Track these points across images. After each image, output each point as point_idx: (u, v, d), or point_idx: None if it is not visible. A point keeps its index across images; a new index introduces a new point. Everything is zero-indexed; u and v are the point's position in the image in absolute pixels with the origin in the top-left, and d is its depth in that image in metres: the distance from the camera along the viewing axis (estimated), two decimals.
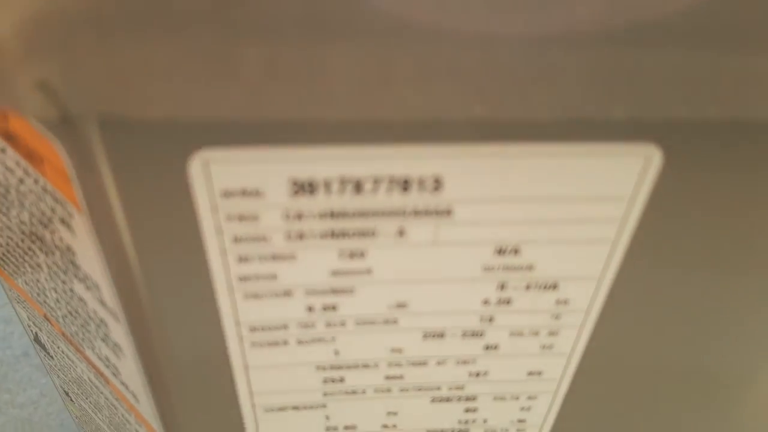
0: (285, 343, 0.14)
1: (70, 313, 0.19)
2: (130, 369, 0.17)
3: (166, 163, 0.10)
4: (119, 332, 0.15)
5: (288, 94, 0.08)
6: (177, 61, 0.08)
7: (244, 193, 0.11)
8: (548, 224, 0.12)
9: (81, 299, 0.16)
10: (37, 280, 0.20)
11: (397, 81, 0.09)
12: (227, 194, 0.11)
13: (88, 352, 0.20)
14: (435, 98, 0.09)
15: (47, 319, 0.22)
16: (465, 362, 0.15)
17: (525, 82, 0.09)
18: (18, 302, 0.24)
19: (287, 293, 0.13)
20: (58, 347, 0.23)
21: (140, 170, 0.11)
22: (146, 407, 0.18)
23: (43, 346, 0.26)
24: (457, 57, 0.08)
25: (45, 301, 0.20)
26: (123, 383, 0.18)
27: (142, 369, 0.15)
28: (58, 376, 0.27)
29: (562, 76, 0.09)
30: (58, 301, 0.19)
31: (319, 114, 0.09)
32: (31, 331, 0.26)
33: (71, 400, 0.28)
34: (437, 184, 0.11)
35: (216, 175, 0.10)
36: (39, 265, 0.18)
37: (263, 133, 0.10)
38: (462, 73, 0.09)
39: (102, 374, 0.20)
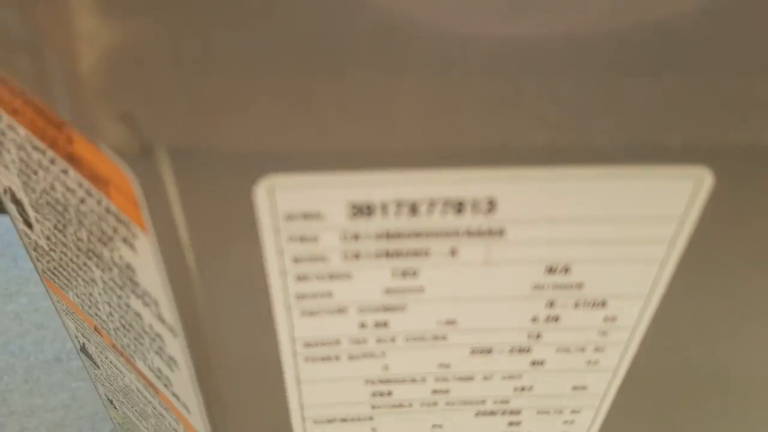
0: (337, 358, 0.14)
1: (123, 327, 0.19)
2: (183, 381, 0.17)
3: (233, 189, 0.11)
4: (175, 347, 0.16)
5: (357, 125, 0.09)
6: (254, 95, 0.09)
7: (306, 216, 0.11)
8: (599, 244, 0.12)
9: (137, 314, 0.17)
10: (90, 294, 0.20)
11: (461, 110, 0.09)
12: (290, 217, 0.11)
13: (139, 364, 0.20)
14: (498, 127, 0.09)
15: (97, 331, 0.23)
16: (511, 377, 0.15)
17: (586, 110, 0.09)
18: (67, 314, 0.25)
19: (341, 310, 0.13)
20: (106, 357, 0.24)
21: (207, 195, 0.11)
22: (197, 418, 0.18)
23: (89, 356, 0.27)
24: (521, 86, 0.09)
25: (96, 314, 0.21)
26: (174, 394, 0.19)
27: (197, 382, 0.16)
28: (103, 385, 0.28)
29: (623, 104, 0.09)
30: (111, 314, 0.20)
31: (386, 144, 0.09)
32: (78, 341, 0.27)
33: (115, 407, 0.29)
34: (491, 205, 0.11)
35: (280, 199, 0.11)
36: (93, 280, 0.19)
37: (325, 159, 0.11)
38: (525, 102, 0.09)
39: (152, 385, 0.21)
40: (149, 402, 0.23)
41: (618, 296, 0.13)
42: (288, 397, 0.15)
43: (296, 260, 0.12)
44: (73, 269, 0.20)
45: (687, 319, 0.14)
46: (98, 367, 0.26)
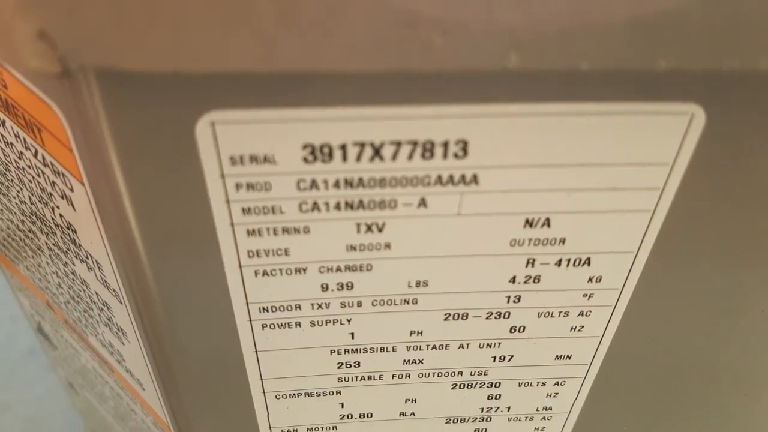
0: (297, 325, 0.13)
1: (73, 298, 0.18)
2: (135, 355, 0.16)
3: (172, 126, 0.10)
4: (123, 315, 0.14)
5: (303, 42, 0.08)
6: (182, 7, 0.07)
7: (254, 159, 0.10)
8: (582, 193, 0.11)
9: (83, 282, 0.16)
10: (39, 265, 0.19)
11: (422, 25, 0.08)
12: (236, 160, 0.10)
13: (92, 339, 0.19)
14: (464, 46, 0.08)
15: (50, 307, 0.21)
16: (489, 346, 0.14)
17: (564, 29, 0.08)
18: (20, 290, 0.24)
19: (300, 270, 0.12)
20: (62, 336, 0.23)
21: (143, 133, 0.10)
22: (152, 395, 0.17)
23: (46, 336, 0.25)
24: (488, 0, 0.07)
25: (47, 287, 0.20)
26: (128, 371, 0.18)
27: (148, 353, 0.15)
28: (63, 368, 0.27)
29: (604, 24, 0.08)
30: (60, 285, 0.18)
31: (338, 65, 0.08)
32: (35, 320, 0.25)
33: (76, 392, 0.28)
34: (463, 148, 0.10)
35: (223, 138, 0.10)
36: (40, 248, 0.17)
37: (275, 93, 0.09)
38: (496, 18, 0.08)
39: (106, 362, 0.19)
40: (106, 382, 0.21)
41: (603, 253, 0.12)
42: (246, 368, 0.14)
43: (246, 211, 0.11)
44: (20, 238, 0.19)
45: (677, 279, 0.13)
46: (55, 347, 0.25)
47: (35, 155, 0.13)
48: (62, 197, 0.13)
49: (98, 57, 0.08)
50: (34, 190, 0.15)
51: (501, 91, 0.09)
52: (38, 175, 0.14)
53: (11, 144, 0.14)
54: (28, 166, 0.14)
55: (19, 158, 0.14)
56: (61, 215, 0.14)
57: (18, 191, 0.16)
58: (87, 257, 0.14)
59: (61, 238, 0.15)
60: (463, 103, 0.10)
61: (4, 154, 0.15)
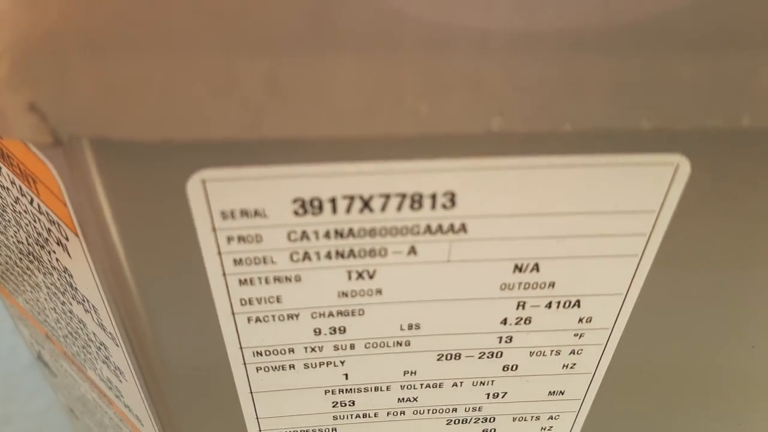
0: (291, 367, 0.13)
1: (71, 334, 0.18)
2: (132, 393, 0.16)
3: (164, 184, 0.10)
4: (120, 357, 0.15)
5: (290, 112, 0.08)
6: (171, 80, 0.08)
7: (245, 213, 0.10)
8: (570, 239, 0.11)
9: (81, 321, 0.16)
10: (37, 300, 0.19)
11: (407, 95, 0.08)
12: (227, 215, 0.10)
13: (91, 373, 0.19)
14: (449, 112, 0.08)
15: (49, 338, 0.21)
16: (482, 383, 0.14)
17: (546, 92, 0.08)
18: (20, 320, 0.24)
19: (293, 316, 0.12)
20: (61, 366, 0.23)
21: (137, 192, 0.10)
22: (150, 431, 0.17)
23: (46, 364, 0.26)
24: (472, 66, 0.08)
25: (45, 320, 0.20)
26: (126, 406, 0.18)
27: (145, 394, 0.15)
28: (63, 394, 0.27)
29: (585, 86, 0.08)
30: (58, 321, 0.18)
31: (325, 132, 0.08)
32: (34, 349, 0.25)
33: (76, 417, 0.28)
34: (450, 200, 0.10)
35: (214, 195, 0.10)
36: (38, 285, 0.18)
37: (264, 151, 0.09)
38: (478, 84, 0.08)
39: (105, 395, 0.19)
40: (105, 413, 0.21)
41: (593, 295, 0.12)
42: (242, 409, 0.14)
43: (238, 262, 0.11)
44: (18, 273, 0.19)
45: (666, 317, 0.13)
46: (55, 375, 0.25)
47: (31, 203, 0.13)
48: (58, 244, 0.13)
49: (89, 127, 0.08)
50: (30, 233, 0.15)
51: (487, 147, 0.10)
52: (35, 221, 0.14)
53: (7, 188, 0.14)
54: (25, 211, 0.14)
55: (16, 202, 0.14)
56: (57, 259, 0.14)
57: (15, 231, 0.16)
58: (83, 300, 0.14)
59: (58, 279, 0.15)
60: (450, 158, 0.10)
61: (1, 197, 0.15)
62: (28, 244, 0.16)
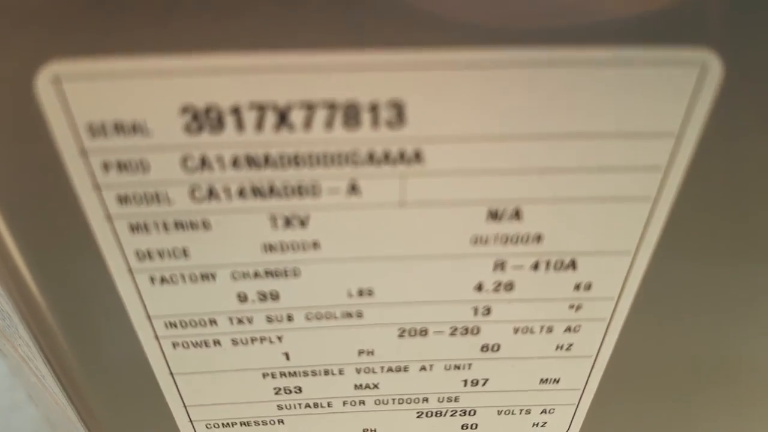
0: (217, 343, 0.10)
1: None
2: (49, 376, 0.13)
3: (8, 84, 0.07)
4: (26, 335, 0.12)
5: None
6: None
7: (120, 128, 0.07)
8: (561, 174, 0.08)
9: None
10: None
11: None
12: (96, 130, 0.08)
13: (21, 352, 0.17)
14: None
15: None
16: (457, 368, 0.11)
17: None
18: None
19: (207, 276, 0.09)
20: (5, 345, 0.21)
21: None
22: (76, 421, 0.15)
23: None
24: None
25: None
26: (53, 391, 0.15)
27: (55, 377, 0.12)
28: (19, 378, 0.25)
29: None
30: None
31: None
32: None
33: (35, 404, 0.26)
34: (398, 113, 0.08)
35: (75, 99, 0.07)
36: None
37: (138, 33, 0.07)
38: None
39: (39, 379, 0.17)
40: (48, 398, 0.19)
41: (592, 254, 0.09)
42: (164, 395, 0.12)
43: (123, 200, 0.08)
44: None
45: (687, 284, 0.10)
46: (5, 355, 0.23)
47: None
48: None
49: None
50: None
51: (449, 33, 0.07)
52: None
53: None
54: None
55: None
56: None
57: None
58: None
59: None
60: (396, 48, 0.07)
61: None
62: None
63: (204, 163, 0.08)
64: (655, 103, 0.08)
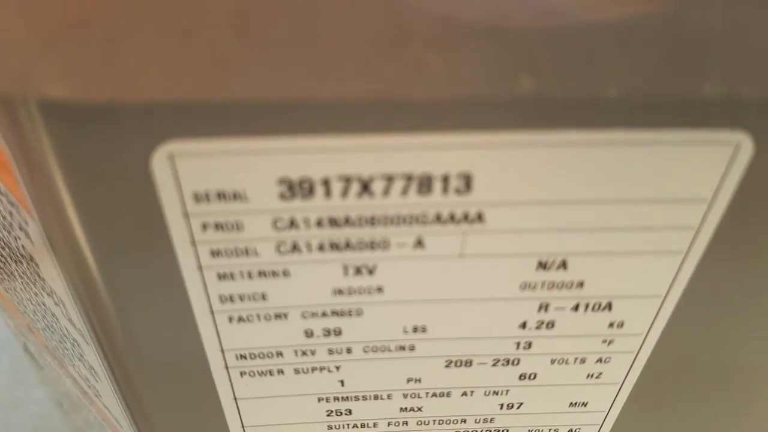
0: (280, 372, 0.12)
1: (48, 327, 0.17)
2: (108, 394, 0.14)
3: (126, 160, 0.08)
4: (92, 355, 0.13)
5: (266, 64, 0.06)
6: (116, 22, 0.06)
7: (222, 196, 0.08)
8: (605, 233, 0.09)
9: (53, 315, 0.14)
10: (15, 289, 0.18)
11: (414, 43, 0.06)
12: (201, 197, 0.09)
13: (71, 369, 0.18)
14: (466, 67, 0.06)
15: (31, 330, 0.20)
16: (495, 393, 0.12)
17: (589, 45, 0.06)
18: (3, 310, 0.23)
19: (280, 316, 0.10)
20: (45, 359, 0.22)
21: (96, 169, 0.08)
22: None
23: (32, 356, 0.24)
24: (497, 10, 0.06)
25: (25, 311, 0.18)
26: (106, 407, 0.16)
27: (120, 397, 0.13)
28: (51, 388, 0.26)
29: (637, 39, 0.07)
30: (35, 312, 0.17)
31: (310, 92, 0.06)
32: (20, 340, 0.24)
33: (65, 412, 0.27)
34: (466, 183, 0.09)
35: (185, 173, 0.08)
36: (12, 273, 0.16)
37: (243, 118, 0.08)
38: (503, 32, 0.06)
39: (87, 393, 0.18)
40: (90, 410, 0.20)
41: (627, 297, 0.10)
42: (226, 417, 0.13)
43: (216, 254, 0.09)
44: None
45: (710, 322, 0.11)
46: (42, 368, 0.24)
47: None
48: (20, 229, 0.12)
49: (24, 85, 0.07)
50: None
51: (511, 117, 0.08)
52: None
53: None
54: None
55: None
56: (23, 246, 0.13)
57: None
58: (51, 292, 0.13)
59: (27, 268, 0.14)
60: (466, 131, 0.08)
61: None
62: None
63: (292, 223, 0.09)
64: (693, 174, 0.09)
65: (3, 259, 0.16)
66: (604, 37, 0.06)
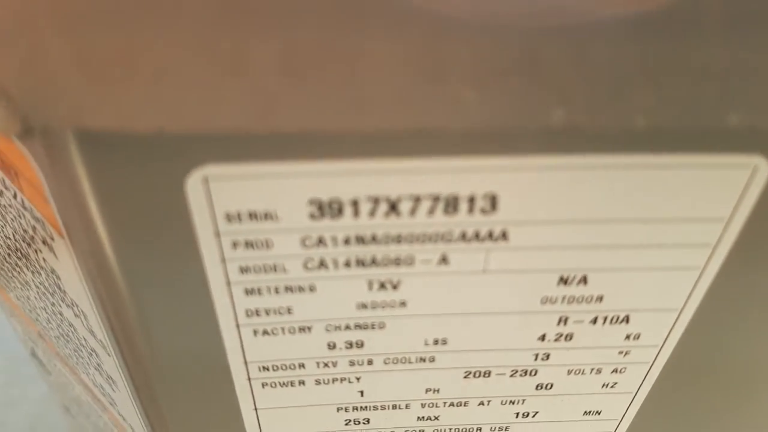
0: (301, 383, 0.12)
1: (62, 336, 0.17)
2: (126, 403, 0.15)
3: (159, 182, 0.08)
4: (112, 366, 0.13)
5: (308, 98, 0.06)
6: (165, 60, 0.06)
7: (253, 216, 0.09)
8: (625, 250, 0.10)
9: (71, 325, 0.15)
10: (28, 297, 0.18)
11: (451, 78, 0.06)
12: (233, 217, 0.09)
13: (84, 377, 0.18)
14: (502, 101, 0.07)
15: (41, 337, 0.20)
16: (512, 403, 0.13)
17: (619, 79, 0.07)
18: (12, 316, 0.23)
19: (304, 329, 0.11)
20: (55, 365, 0.22)
21: (129, 191, 0.09)
22: None
23: (40, 362, 0.24)
24: (534, 48, 0.06)
25: (37, 319, 0.19)
26: (120, 414, 0.16)
27: (139, 407, 0.13)
28: (58, 392, 0.26)
29: (665, 72, 0.07)
30: (49, 321, 0.17)
31: (349, 124, 0.07)
32: (28, 346, 0.24)
33: (72, 416, 0.27)
34: (491, 203, 0.09)
35: (218, 195, 0.08)
36: (27, 283, 0.16)
37: (277, 144, 0.08)
38: (539, 67, 0.06)
39: (99, 401, 0.18)
40: (100, 416, 0.20)
41: (644, 310, 0.11)
42: (245, 426, 0.13)
43: (244, 270, 0.09)
44: (8, 269, 0.17)
45: (723, 333, 0.12)
46: (50, 373, 0.24)
47: (14, 197, 0.12)
48: (44, 243, 0.12)
49: (67, 115, 0.07)
50: (17, 229, 0.14)
51: (537, 143, 0.08)
52: (20, 216, 0.13)
53: None
54: (9, 205, 0.13)
55: (0, 195, 0.13)
56: (44, 259, 0.13)
57: (2, 226, 0.15)
58: (72, 304, 0.13)
59: (46, 279, 0.14)
60: (494, 155, 0.08)
61: None
62: (15, 240, 0.14)
63: (320, 241, 0.09)
64: (711, 195, 0.09)
65: (19, 269, 0.16)
66: (633, 71, 0.07)
